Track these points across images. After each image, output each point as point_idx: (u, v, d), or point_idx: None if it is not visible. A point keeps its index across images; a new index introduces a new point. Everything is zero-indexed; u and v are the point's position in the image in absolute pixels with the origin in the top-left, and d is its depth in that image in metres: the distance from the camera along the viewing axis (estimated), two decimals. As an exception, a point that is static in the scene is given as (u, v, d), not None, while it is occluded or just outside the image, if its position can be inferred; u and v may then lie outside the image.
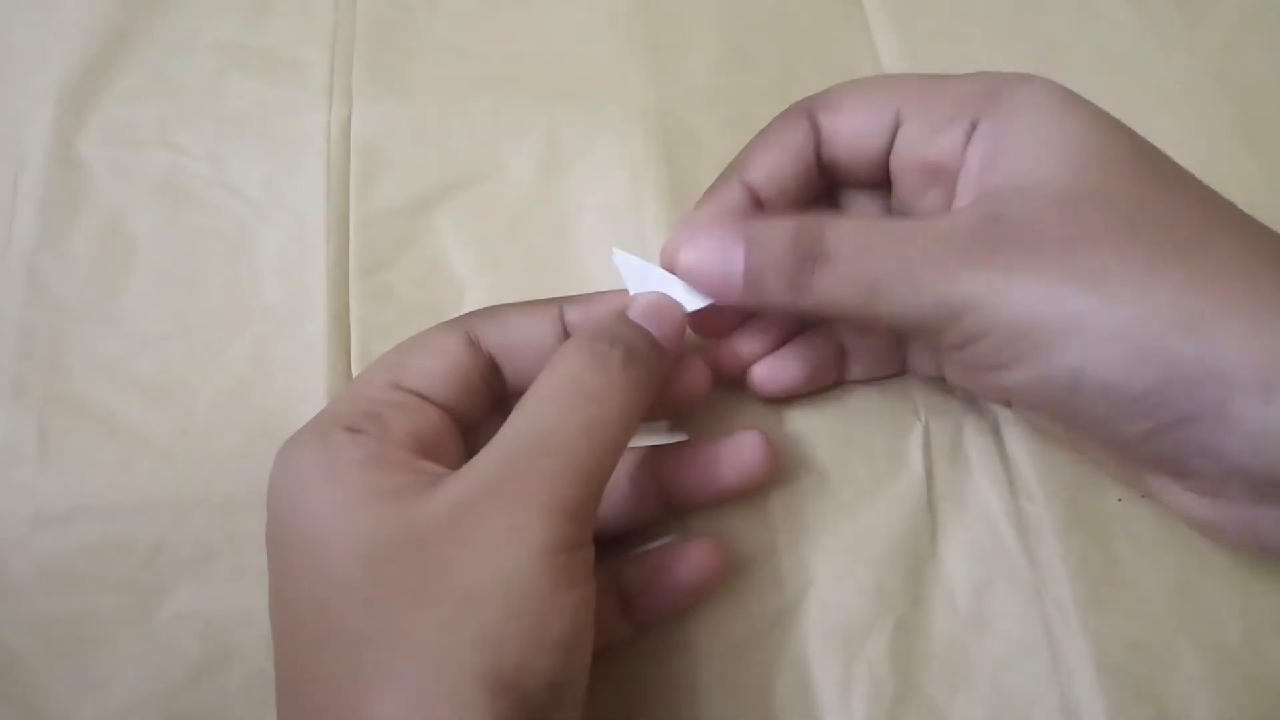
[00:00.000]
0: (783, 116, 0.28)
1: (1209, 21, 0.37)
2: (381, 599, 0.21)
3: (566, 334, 0.26)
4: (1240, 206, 0.33)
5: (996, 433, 0.30)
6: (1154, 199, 0.22)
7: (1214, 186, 0.34)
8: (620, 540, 0.28)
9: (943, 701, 0.27)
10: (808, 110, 0.27)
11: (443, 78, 0.36)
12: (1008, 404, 0.29)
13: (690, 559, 0.26)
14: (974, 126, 0.24)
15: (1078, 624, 0.27)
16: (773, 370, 0.28)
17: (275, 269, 0.32)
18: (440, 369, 0.25)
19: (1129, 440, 0.22)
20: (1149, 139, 0.34)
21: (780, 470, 0.29)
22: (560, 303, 0.27)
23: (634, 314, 0.25)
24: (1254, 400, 0.20)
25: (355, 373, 0.30)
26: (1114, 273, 0.21)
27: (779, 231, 0.24)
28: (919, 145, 0.25)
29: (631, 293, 0.26)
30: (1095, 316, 0.21)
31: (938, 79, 0.26)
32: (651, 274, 0.26)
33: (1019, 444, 0.29)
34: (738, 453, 0.27)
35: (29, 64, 0.35)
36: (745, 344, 0.29)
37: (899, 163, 0.26)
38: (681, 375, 0.26)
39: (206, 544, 0.28)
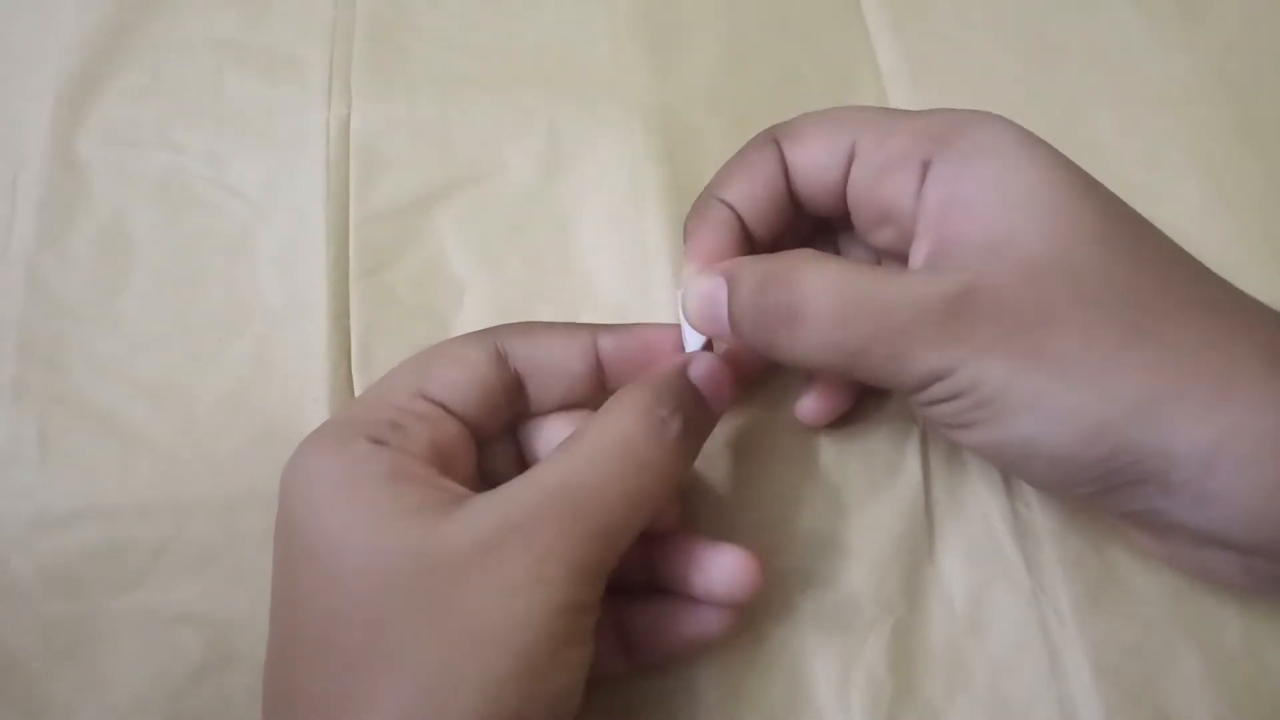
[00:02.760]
0: (752, 143, 0.28)
1: (1209, 21, 0.37)
2: (388, 621, 0.21)
3: (598, 361, 0.26)
4: (1240, 207, 0.34)
5: (995, 435, 0.30)
6: (1119, 272, 0.22)
7: (1214, 186, 0.34)
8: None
9: (941, 704, 0.27)
10: (775, 138, 0.27)
11: (442, 76, 0.36)
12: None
13: (697, 617, 0.25)
14: (926, 167, 0.24)
15: (1075, 627, 0.27)
16: (815, 405, 0.29)
17: (275, 269, 0.32)
18: (465, 380, 0.25)
19: (1079, 496, 0.24)
20: (1149, 140, 0.35)
21: (780, 473, 0.29)
22: (595, 330, 0.26)
23: (694, 374, 0.25)
24: (1195, 472, 0.21)
25: (355, 373, 0.30)
26: (1077, 357, 0.22)
27: (750, 278, 0.24)
28: (870, 184, 0.25)
29: (686, 335, 0.26)
30: (1055, 397, 0.22)
31: (895, 114, 0.26)
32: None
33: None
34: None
35: (29, 64, 0.35)
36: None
37: (853, 198, 0.26)
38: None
39: (207, 545, 0.28)
